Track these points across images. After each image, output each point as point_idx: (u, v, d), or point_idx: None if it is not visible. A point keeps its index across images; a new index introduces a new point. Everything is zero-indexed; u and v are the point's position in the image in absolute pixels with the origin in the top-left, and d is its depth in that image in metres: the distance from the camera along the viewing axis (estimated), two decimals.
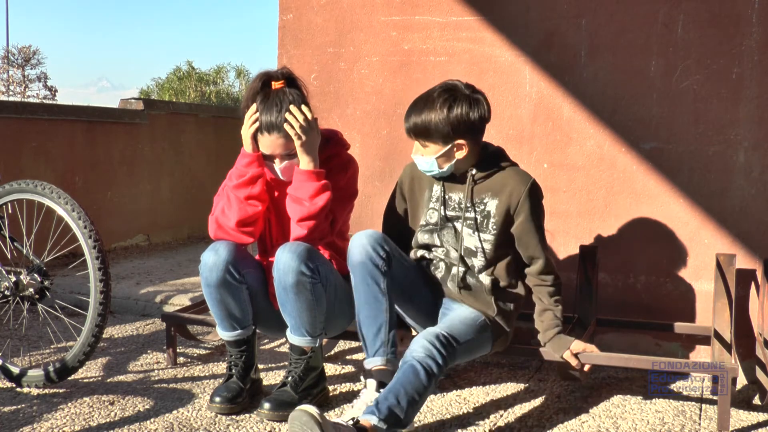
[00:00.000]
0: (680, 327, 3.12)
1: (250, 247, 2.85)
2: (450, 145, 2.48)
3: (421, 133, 2.50)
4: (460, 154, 2.50)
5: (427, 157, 2.52)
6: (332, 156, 2.69)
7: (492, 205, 2.54)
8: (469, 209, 2.55)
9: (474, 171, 2.55)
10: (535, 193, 2.54)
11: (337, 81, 3.64)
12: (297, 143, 2.55)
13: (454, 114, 2.44)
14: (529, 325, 3.36)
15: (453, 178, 2.59)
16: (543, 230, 2.58)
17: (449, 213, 2.59)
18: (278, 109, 2.54)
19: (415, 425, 2.49)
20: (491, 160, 2.57)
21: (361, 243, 2.47)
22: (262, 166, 2.63)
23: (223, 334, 2.72)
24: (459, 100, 2.45)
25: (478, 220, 2.55)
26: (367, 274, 2.45)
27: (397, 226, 2.73)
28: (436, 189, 2.62)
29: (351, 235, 3.24)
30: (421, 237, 2.65)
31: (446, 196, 2.60)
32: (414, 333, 2.73)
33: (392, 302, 2.48)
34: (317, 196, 2.55)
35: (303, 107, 2.56)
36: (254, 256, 2.84)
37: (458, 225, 2.58)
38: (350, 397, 2.78)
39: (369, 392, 2.41)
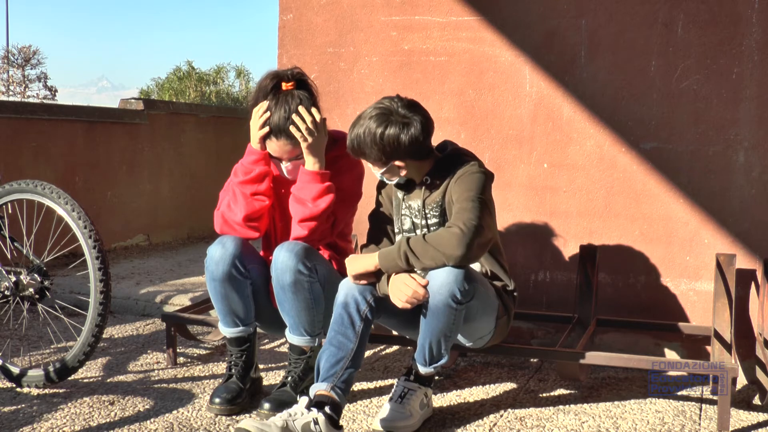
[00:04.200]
0: (680, 327, 3.12)
1: (253, 244, 2.84)
2: (389, 166, 2.47)
3: (357, 154, 2.49)
4: (402, 171, 2.49)
5: (375, 171, 2.52)
6: (339, 157, 2.68)
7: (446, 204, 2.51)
8: (428, 216, 2.53)
9: (428, 180, 2.51)
10: (467, 172, 2.45)
11: (337, 81, 3.64)
12: (303, 145, 2.54)
13: (385, 140, 2.40)
14: (528, 325, 3.38)
15: (412, 184, 2.56)
16: (475, 203, 2.38)
17: (416, 220, 2.56)
18: (286, 114, 2.53)
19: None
20: (448, 163, 2.51)
21: (349, 286, 2.45)
22: (269, 164, 2.63)
23: (225, 330, 2.71)
24: (390, 125, 2.39)
25: (440, 223, 2.52)
26: (346, 314, 2.42)
27: (381, 227, 2.67)
28: (399, 195, 2.60)
29: (354, 235, 3.25)
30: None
31: (406, 204, 2.58)
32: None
33: (363, 346, 2.44)
34: (320, 197, 2.55)
35: (312, 109, 2.55)
36: (259, 251, 2.84)
37: (420, 233, 2.54)
38: (349, 397, 2.78)
39: (299, 406, 2.33)
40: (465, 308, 2.37)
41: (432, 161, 2.53)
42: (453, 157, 2.54)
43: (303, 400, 2.34)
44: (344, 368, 2.38)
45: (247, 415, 2.60)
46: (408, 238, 2.39)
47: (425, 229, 2.54)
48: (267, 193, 2.63)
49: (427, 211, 2.53)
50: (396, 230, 2.63)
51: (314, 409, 2.29)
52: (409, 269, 2.38)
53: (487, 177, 2.49)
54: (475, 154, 2.60)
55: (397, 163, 2.46)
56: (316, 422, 2.26)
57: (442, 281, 2.32)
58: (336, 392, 2.35)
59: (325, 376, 2.38)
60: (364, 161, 2.56)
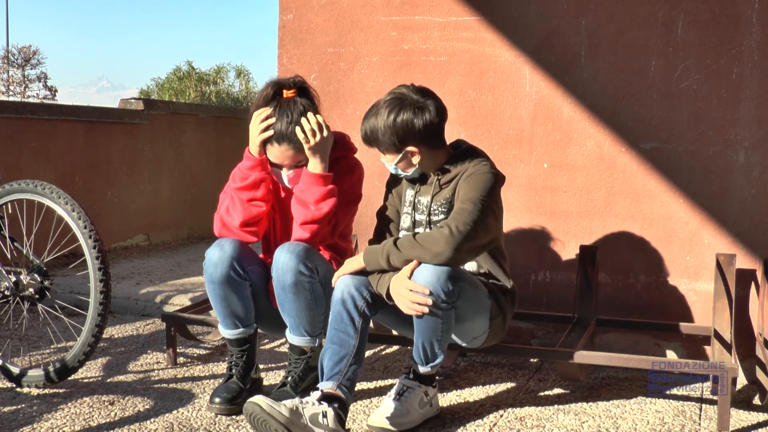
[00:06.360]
0: (680, 327, 3.12)
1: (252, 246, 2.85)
2: (402, 153, 2.49)
3: (370, 142, 2.53)
4: (416, 160, 2.50)
5: (389, 163, 2.55)
6: (338, 158, 2.68)
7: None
8: (433, 212, 2.54)
9: (440, 175, 2.54)
10: (478, 171, 2.46)
11: (337, 81, 3.64)
12: (306, 146, 2.54)
13: (398, 124, 2.43)
14: (528, 325, 3.38)
15: (424, 179, 2.59)
16: (477, 206, 2.38)
17: (419, 217, 2.58)
18: (289, 120, 2.54)
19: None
20: (461, 159, 2.54)
21: (345, 283, 2.45)
22: (266, 169, 2.63)
23: (225, 332, 2.72)
24: (403, 109, 2.44)
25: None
26: (344, 311, 2.42)
27: (388, 226, 2.68)
28: (410, 192, 2.62)
29: (354, 235, 3.25)
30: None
31: (416, 200, 2.59)
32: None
33: (363, 342, 2.44)
34: (323, 201, 2.55)
35: (317, 115, 2.57)
36: (258, 253, 2.84)
37: (420, 230, 2.55)
38: None
39: (312, 397, 2.33)
40: (452, 308, 2.37)
41: (445, 155, 2.55)
42: (466, 155, 2.55)
43: (316, 393, 2.35)
44: (348, 365, 2.39)
45: None
46: (397, 238, 2.41)
47: (427, 227, 2.54)
48: (264, 198, 2.63)
49: (433, 208, 2.54)
50: (400, 226, 2.64)
51: (325, 403, 2.30)
52: (391, 268, 2.39)
53: (497, 179, 2.49)
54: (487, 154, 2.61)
55: (410, 148, 2.47)
56: (325, 415, 2.27)
57: (425, 281, 2.32)
58: (342, 390, 2.36)
59: (330, 375, 2.38)
60: (378, 154, 2.55)
